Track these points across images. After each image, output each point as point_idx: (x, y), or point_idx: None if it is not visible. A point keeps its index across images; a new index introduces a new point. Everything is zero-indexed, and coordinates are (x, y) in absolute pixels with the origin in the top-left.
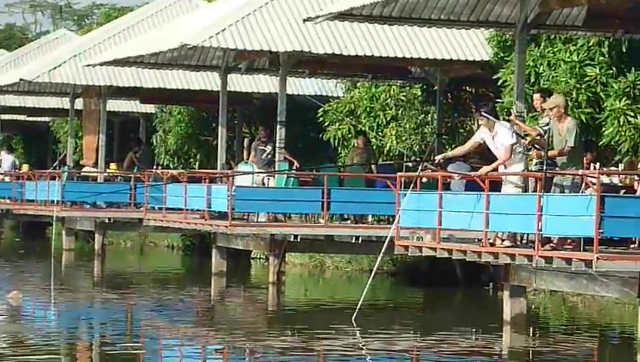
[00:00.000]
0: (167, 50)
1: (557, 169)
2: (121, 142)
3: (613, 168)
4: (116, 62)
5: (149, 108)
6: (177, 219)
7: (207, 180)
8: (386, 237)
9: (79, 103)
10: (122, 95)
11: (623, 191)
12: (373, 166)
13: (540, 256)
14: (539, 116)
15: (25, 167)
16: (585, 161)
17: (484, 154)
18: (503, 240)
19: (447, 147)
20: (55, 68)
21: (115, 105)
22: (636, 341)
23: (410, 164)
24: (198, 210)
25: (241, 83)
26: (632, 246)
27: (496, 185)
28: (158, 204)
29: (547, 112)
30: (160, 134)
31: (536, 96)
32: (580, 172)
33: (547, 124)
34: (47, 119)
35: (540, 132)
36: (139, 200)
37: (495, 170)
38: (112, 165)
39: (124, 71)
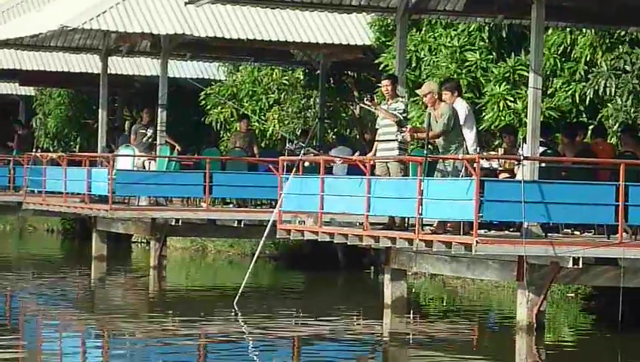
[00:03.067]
0: (47, 32)
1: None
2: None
3: (492, 153)
4: None
5: (29, 91)
6: (57, 202)
7: (87, 163)
8: (269, 221)
9: None
10: (1, 77)
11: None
12: (255, 149)
13: (420, 240)
14: (384, 102)
15: None
16: (507, 144)
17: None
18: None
19: (329, 131)
20: None
21: None
22: (515, 324)
23: (292, 148)
24: (78, 194)
25: (123, 66)
26: (511, 229)
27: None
28: (37, 187)
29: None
30: (40, 117)
31: (386, 82)
32: (460, 156)
33: (403, 110)
34: None
35: (399, 118)
36: (18, 183)
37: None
38: None
39: (3, 53)
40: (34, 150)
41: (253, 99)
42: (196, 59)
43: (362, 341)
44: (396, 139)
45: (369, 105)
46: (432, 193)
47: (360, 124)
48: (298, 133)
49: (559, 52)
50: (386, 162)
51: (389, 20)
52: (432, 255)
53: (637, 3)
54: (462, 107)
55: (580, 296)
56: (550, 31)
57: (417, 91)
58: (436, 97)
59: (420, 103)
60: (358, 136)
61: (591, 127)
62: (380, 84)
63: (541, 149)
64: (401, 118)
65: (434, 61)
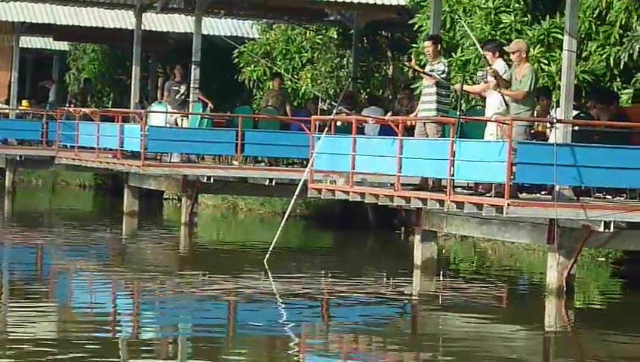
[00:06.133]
0: None
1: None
2: (34, 79)
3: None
4: None
5: (63, 46)
6: (89, 157)
7: (120, 119)
8: (300, 180)
9: None
10: (36, 31)
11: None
12: (287, 108)
13: (451, 201)
14: (428, 63)
15: None
16: (541, 107)
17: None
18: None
19: (361, 91)
20: None
21: (29, 41)
22: (544, 287)
23: (324, 108)
24: (110, 149)
25: (157, 22)
26: (543, 192)
27: (411, 130)
28: (70, 142)
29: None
30: (73, 72)
31: (427, 43)
32: (493, 118)
33: (443, 72)
34: None
35: (438, 79)
36: (51, 137)
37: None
38: (24, 102)
39: (37, 7)
40: (67, 105)
41: (286, 58)
42: (230, 16)
43: (391, 301)
44: (436, 101)
45: (408, 66)
46: (465, 155)
47: (393, 84)
48: (331, 93)
49: (594, 15)
50: (424, 123)
51: None
52: (463, 216)
53: None
54: (502, 68)
55: (611, 260)
56: None
57: (506, 48)
58: (524, 56)
59: (454, 65)
60: (390, 97)
61: (630, 92)
62: (414, 45)
63: (574, 113)
64: (440, 78)
65: (469, 22)
